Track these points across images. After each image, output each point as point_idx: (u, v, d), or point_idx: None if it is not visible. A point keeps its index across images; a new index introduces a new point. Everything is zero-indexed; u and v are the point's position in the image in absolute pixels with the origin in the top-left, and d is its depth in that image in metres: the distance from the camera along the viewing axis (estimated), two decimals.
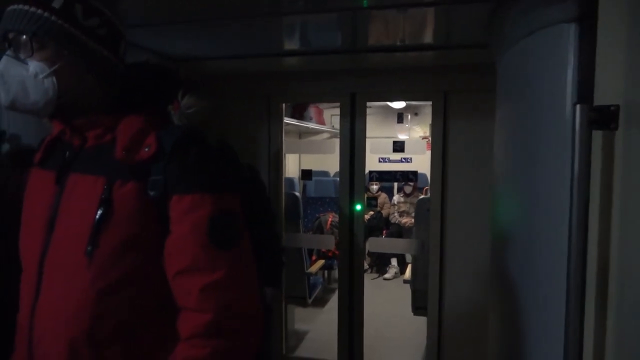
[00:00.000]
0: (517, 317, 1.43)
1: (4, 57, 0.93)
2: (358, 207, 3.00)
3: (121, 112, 1.00)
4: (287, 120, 3.45)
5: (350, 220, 3.01)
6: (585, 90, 0.99)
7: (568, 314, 0.84)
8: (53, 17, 0.90)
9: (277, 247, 2.30)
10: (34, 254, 0.97)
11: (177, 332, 0.93)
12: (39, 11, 0.90)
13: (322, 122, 6.49)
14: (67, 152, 1.01)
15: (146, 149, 0.95)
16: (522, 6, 1.30)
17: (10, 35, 0.92)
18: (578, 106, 0.79)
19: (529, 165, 1.35)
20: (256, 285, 0.97)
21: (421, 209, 3.22)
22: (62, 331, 0.92)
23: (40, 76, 0.91)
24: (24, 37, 0.91)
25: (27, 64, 0.91)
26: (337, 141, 3.09)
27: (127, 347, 0.94)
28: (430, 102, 2.90)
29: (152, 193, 0.92)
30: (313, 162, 5.41)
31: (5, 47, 0.93)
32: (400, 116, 6.28)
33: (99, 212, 0.91)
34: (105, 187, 0.92)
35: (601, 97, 0.86)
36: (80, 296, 0.91)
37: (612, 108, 0.79)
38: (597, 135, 0.86)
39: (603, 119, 0.80)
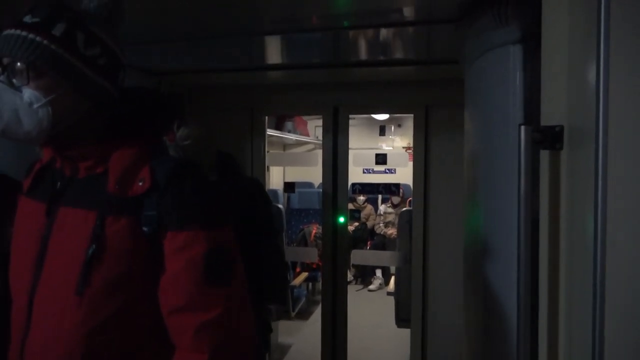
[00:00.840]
0: (479, 327, 1.45)
1: None
2: (341, 219, 3.02)
3: (114, 141, 0.95)
4: (270, 132, 3.47)
5: (334, 233, 3.01)
6: (531, 110, 1.03)
7: (519, 325, 0.87)
8: (53, 46, 0.85)
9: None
10: (24, 288, 0.94)
11: None
12: (38, 38, 0.84)
13: (305, 133, 6.50)
14: (58, 183, 0.97)
15: (140, 183, 0.91)
16: (475, 28, 1.34)
17: (5, 61, 0.86)
18: (522, 127, 0.82)
19: (485, 181, 1.38)
20: (252, 316, 0.96)
21: (403, 221, 3.24)
22: None
23: (35, 105, 0.86)
24: (20, 64, 0.85)
25: (21, 91, 0.86)
26: (320, 153, 3.11)
27: None
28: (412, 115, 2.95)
29: (145, 229, 0.89)
30: (297, 173, 5.41)
31: None
32: (382, 129, 6.31)
33: (91, 249, 0.87)
34: (97, 222, 0.88)
35: (548, 118, 0.89)
36: (71, 334, 0.88)
37: (556, 129, 0.82)
38: (545, 155, 0.89)
39: (548, 139, 0.83)
